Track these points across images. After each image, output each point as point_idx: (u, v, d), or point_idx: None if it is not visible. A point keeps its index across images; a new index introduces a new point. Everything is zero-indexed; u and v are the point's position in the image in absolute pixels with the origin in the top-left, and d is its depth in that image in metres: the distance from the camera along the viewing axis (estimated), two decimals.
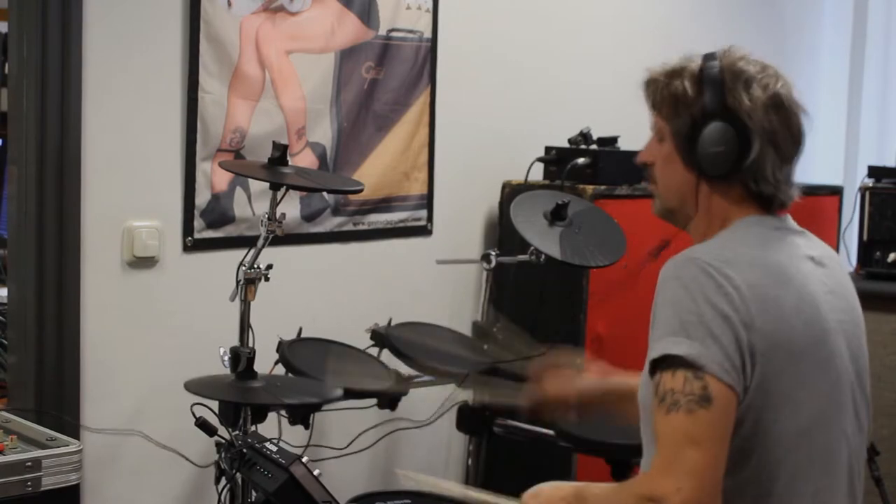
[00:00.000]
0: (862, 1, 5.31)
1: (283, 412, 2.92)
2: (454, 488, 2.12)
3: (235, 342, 2.65)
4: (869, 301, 2.02)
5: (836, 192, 4.56)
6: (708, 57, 1.89)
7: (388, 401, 3.05)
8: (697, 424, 1.64)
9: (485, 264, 3.33)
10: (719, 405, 1.65)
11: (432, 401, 3.57)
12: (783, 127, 1.84)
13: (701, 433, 1.64)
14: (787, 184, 1.87)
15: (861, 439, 1.89)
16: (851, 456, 1.85)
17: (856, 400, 1.86)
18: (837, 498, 1.82)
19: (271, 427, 2.87)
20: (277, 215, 2.63)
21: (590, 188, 3.52)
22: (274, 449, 2.17)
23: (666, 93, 1.90)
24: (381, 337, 3.12)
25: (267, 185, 2.67)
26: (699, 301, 1.71)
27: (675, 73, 1.90)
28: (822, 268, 1.87)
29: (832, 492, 1.81)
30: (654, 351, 1.72)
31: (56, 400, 2.85)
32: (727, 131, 1.83)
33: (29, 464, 2.38)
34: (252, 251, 2.64)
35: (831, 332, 1.81)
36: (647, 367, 1.77)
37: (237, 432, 2.47)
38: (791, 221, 1.92)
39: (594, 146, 3.72)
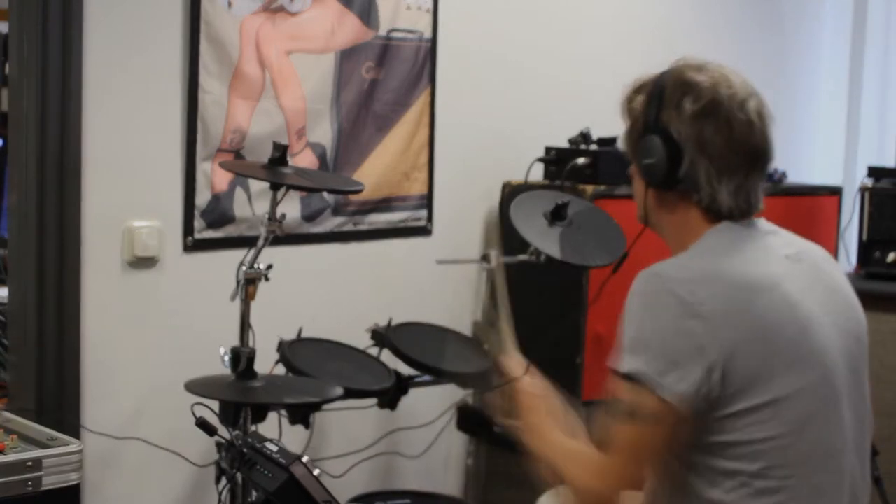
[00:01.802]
0: (862, 1, 5.31)
1: (283, 412, 2.92)
2: None
3: (235, 342, 2.65)
4: (869, 301, 2.02)
5: (836, 192, 4.56)
6: (665, 70, 1.91)
7: (388, 400, 3.06)
8: (634, 436, 1.78)
9: (485, 264, 3.34)
10: (660, 422, 1.75)
11: (432, 401, 3.57)
12: (717, 136, 1.84)
13: (638, 446, 1.79)
14: (734, 194, 1.85)
15: (862, 433, 1.89)
16: (852, 451, 1.85)
17: (852, 392, 1.86)
18: (838, 494, 1.82)
19: (271, 427, 2.87)
20: (277, 215, 2.63)
21: (590, 188, 3.53)
22: (274, 449, 2.17)
23: (628, 107, 1.97)
24: (381, 337, 3.12)
25: (267, 185, 2.67)
26: (660, 319, 1.77)
27: (640, 89, 1.95)
28: (800, 263, 1.88)
29: (832, 488, 1.81)
30: (614, 364, 1.81)
31: (56, 400, 2.85)
32: (656, 143, 1.86)
33: (29, 463, 2.39)
34: (252, 251, 2.64)
35: (814, 328, 1.81)
36: None
37: (237, 432, 2.46)
38: (761, 224, 1.93)
39: (594, 146, 3.72)
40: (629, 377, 1.77)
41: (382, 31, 3.44)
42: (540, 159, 3.73)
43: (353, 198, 3.42)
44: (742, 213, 1.88)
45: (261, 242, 2.63)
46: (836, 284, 1.93)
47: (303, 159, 3.28)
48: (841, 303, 1.91)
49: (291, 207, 3.24)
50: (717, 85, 1.86)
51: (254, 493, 2.53)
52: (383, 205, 3.52)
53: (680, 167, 1.85)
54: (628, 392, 1.78)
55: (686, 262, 1.84)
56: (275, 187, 2.63)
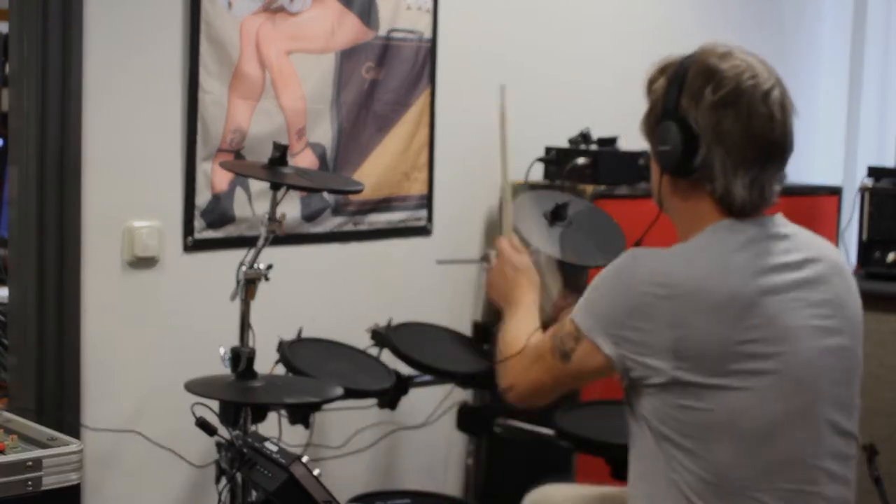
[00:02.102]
0: (862, 1, 5.31)
1: (283, 412, 2.92)
2: None
3: (235, 342, 2.65)
4: (868, 301, 2.01)
5: (836, 192, 4.56)
6: (690, 55, 1.88)
7: (388, 400, 3.06)
8: (552, 364, 1.98)
9: (485, 264, 3.33)
10: (576, 367, 1.92)
11: (432, 401, 3.57)
12: (735, 128, 1.80)
13: (551, 371, 1.99)
14: (748, 188, 1.83)
15: (844, 443, 1.87)
16: (831, 459, 1.84)
17: (834, 405, 1.84)
18: (815, 500, 1.81)
19: (271, 427, 2.87)
20: (278, 215, 2.63)
21: (590, 188, 3.53)
22: (274, 448, 2.17)
23: (650, 88, 1.93)
24: (381, 337, 3.12)
25: (267, 185, 2.67)
26: (618, 295, 1.83)
27: (663, 70, 1.91)
28: (801, 272, 1.84)
29: (799, 497, 1.81)
30: (575, 309, 1.93)
31: (56, 400, 2.85)
32: (673, 130, 1.83)
33: (30, 463, 2.38)
34: (252, 251, 2.64)
35: (794, 341, 1.79)
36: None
37: (237, 432, 2.47)
38: (772, 224, 1.88)
39: (594, 146, 3.72)
40: (578, 327, 1.90)
41: (382, 31, 3.44)
42: (540, 159, 3.73)
43: (353, 198, 3.42)
44: (754, 207, 1.85)
45: (261, 242, 2.63)
46: (838, 297, 1.89)
47: (303, 159, 3.28)
48: (838, 316, 1.87)
49: (291, 207, 3.24)
50: (741, 74, 1.82)
51: (254, 493, 2.53)
52: (383, 205, 3.52)
53: (695, 156, 1.82)
54: (573, 337, 1.91)
55: (666, 257, 1.83)
56: (275, 187, 2.63)
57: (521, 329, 2.21)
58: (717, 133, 1.81)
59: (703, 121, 1.81)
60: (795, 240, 1.90)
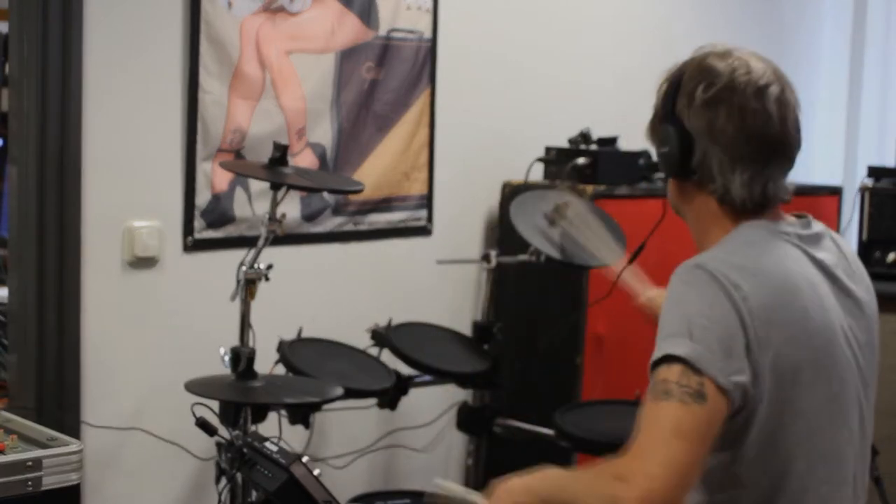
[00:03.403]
0: (862, 1, 5.31)
1: (283, 412, 2.92)
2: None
3: (235, 342, 2.65)
4: None
5: (836, 192, 4.56)
6: (690, 57, 1.85)
7: (388, 400, 3.06)
8: (688, 418, 1.59)
9: (485, 264, 3.34)
10: (712, 407, 1.61)
11: (432, 401, 3.57)
12: (729, 125, 1.77)
13: (689, 428, 1.59)
14: (747, 185, 1.79)
15: (865, 445, 1.87)
16: (856, 462, 1.84)
17: (861, 406, 1.84)
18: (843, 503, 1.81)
19: (271, 427, 2.87)
20: (278, 215, 2.63)
21: (590, 188, 3.53)
22: (274, 448, 2.17)
23: (657, 93, 1.90)
24: (381, 337, 3.12)
25: (267, 185, 2.67)
26: (706, 306, 1.68)
27: (667, 75, 1.89)
28: (831, 271, 1.83)
29: (838, 498, 1.80)
30: (658, 350, 1.67)
31: (56, 399, 2.85)
32: (670, 133, 1.81)
33: (29, 463, 2.38)
34: (252, 251, 2.64)
35: (838, 339, 1.78)
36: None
37: (237, 432, 2.47)
38: (798, 224, 1.86)
39: (594, 146, 3.72)
40: (684, 361, 1.62)
41: (382, 31, 3.44)
42: (540, 159, 3.73)
43: (353, 198, 3.42)
44: (756, 205, 1.81)
45: (261, 242, 2.63)
46: (860, 293, 1.88)
47: (303, 159, 3.28)
48: (861, 313, 1.86)
49: (291, 207, 3.24)
50: (735, 71, 1.79)
51: (254, 493, 2.53)
52: (383, 205, 3.52)
53: (692, 158, 1.79)
54: (687, 375, 1.61)
55: (725, 256, 1.76)
56: (275, 187, 2.63)
57: (580, 475, 1.72)
58: (711, 132, 1.78)
59: (696, 121, 1.79)
60: (821, 238, 1.88)
